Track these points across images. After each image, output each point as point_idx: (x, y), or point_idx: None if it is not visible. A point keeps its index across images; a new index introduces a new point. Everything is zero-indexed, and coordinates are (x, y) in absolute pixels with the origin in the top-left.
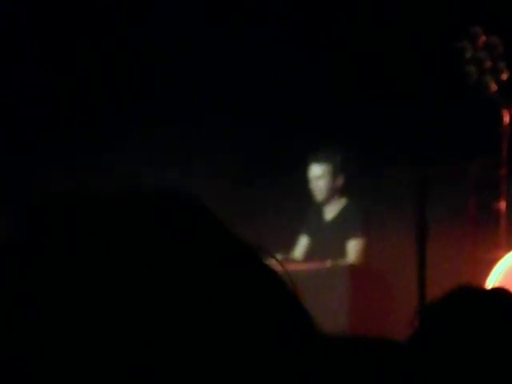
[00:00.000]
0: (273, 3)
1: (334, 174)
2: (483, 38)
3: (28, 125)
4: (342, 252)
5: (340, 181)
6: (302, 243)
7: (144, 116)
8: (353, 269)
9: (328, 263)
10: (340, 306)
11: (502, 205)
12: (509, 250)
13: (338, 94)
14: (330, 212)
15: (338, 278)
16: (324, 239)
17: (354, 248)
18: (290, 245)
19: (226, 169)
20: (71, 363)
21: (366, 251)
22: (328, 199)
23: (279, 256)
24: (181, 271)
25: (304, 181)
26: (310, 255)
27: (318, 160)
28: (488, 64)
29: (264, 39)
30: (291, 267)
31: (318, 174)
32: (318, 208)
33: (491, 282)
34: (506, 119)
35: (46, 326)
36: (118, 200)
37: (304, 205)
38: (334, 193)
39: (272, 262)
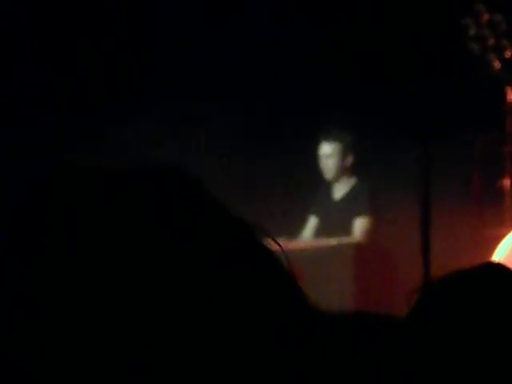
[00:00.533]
0: None
1: (344, 153)
2: (486, 16)
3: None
4: (348, 230)
5: (349, 160)
6: (311, 224)
7: (147, 96)
8: (358, 247)
9: (333, 241)
10: (345, 284)
11: (506, 182)
12: None
13: (343, 73)
14: (339, 191)
15: (344, 256)
16: (332, 218)
17: (360, 226)
18: (300, 225)
19: (239, 145)
20: (71, 363)
21: (373, 230)
22: (337, 178)
23: (288, 237)
24: (178, 256)
25: (315, 159)
26: (318, 234)
27: (328, 139)
28: (491, 41)
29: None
30: (298, 246)
31: (328, 152)
32: (328, 187)
33: (496, 259)
34: (510, 96)
35: (45, 325)
36: (117, 183)
37: (315, 183)
38: (343, 172)
39: (270, 242)
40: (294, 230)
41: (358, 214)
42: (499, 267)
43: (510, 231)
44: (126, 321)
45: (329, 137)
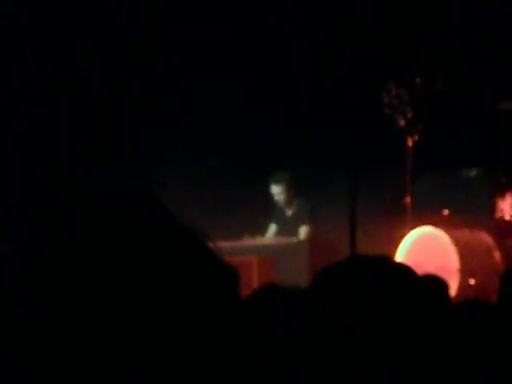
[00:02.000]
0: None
1: (288, 188)
2: (395, 90)
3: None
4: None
5: (293, 191)
6: (272, 229)
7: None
8: (312, 242)
9: (294, 239)
10: (302, 267)
11: (408, 199)
12: (412, 229)
13: (285, 128)
14: (290, 210)
15: (301, 249)
16: (287, 228)
17: (303, 231)
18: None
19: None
20: (70, 362)
21: (312, 233)
22: (286, 203)
23: (259, 236)
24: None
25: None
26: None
27: (275, 181)
28: (398, 107)
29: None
30: (272, 241)
31: (277, 191)
32: (282, 207)
33: (401, 249)
34: (410, 143)
35: (45, 326)
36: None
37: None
38: (290, 199)
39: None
40: (261, 232)
41: (302, 223)
42: (361, 259)
43: (409, 232)
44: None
45: (276, 180)
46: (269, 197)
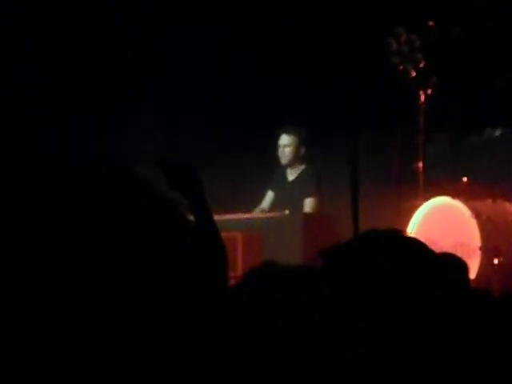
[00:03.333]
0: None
1: (299, 144)
2: (404, 36)
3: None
4: (299, 205)
5: (302, 150)
6: (269, 197)
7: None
8: (306, 216)
9: (286, 212)
10: (295, 245)
11: (420, 165)
12: (425, 200)
13: (294, 82)
14: (292, 174)
15: (295, 224)
16: (286, 195)
17: (310, 204)
18: (259, 198)
19: (214, 139)
20: (71, 363)
21: (319, 206)
22: (291, 164)
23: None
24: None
25: (271, 149)
26: (274, 207)
27: (287, 131)
28: (408, 56)
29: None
30: (259, 215)
31: (286, 142)
32: (283, 170)
33: (412, 224)
34: (422, 98)
35: (44, 325)
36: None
37: (271, 167)
38: (296, 159)
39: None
40: (256, 201)
41: (308, 194)
42: (384, 232)
43: (422, 203)
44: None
45: (288, 130)
46: (267, 164)
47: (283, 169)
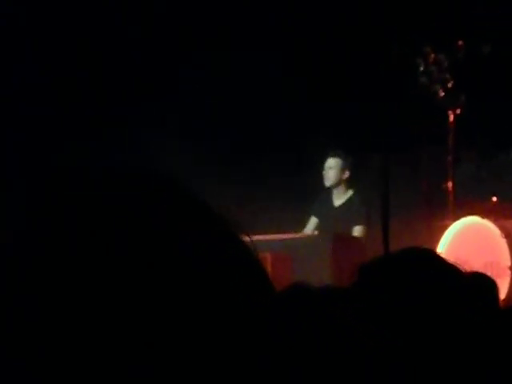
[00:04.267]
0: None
1: (343, 167)
2: (432, 56)
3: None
4: (346, 231)
5: (346, 173)
6: (312, 222)
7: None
8: (335, 236)
9: (315, 232)
10: (324, 265)
11: (450, 184)
12: (455, 220)
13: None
14: (338, 200)
15: (324, 244)
16: (331, 221)
17: (359, 231)
18: (302, 223)
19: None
20: (71, 363)
21: (367, 233)
22: (335, 186)
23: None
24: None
25: (317, 176)
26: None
27: (333, 154)
28: (436, 76)
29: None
30: (288, 236)
31: (330, 165)
32: (327, 195)
33: (442, 243)
34: (451, 118)
35: (45, 325)
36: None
37: (301, 189)
38: (340, 182)
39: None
40: (285, 222)
41: (357, 222)
42: (418, 250)
43: (452, 223)
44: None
45: (334, 153)
46: (308, 187)
47: (328, 193)
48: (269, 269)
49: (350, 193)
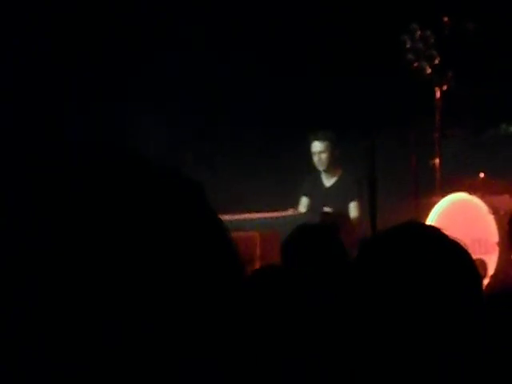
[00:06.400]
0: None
1: (333, 148)
2: (419, 32)
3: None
4: (339, 210)
5: (337, 153)
6: (304, 202)
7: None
8: (323, 214)
9: (302, 211)
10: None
11: (437, 161)
12: (442, 196)
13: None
14: (329, 180)
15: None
16: (323, 201)
17: (355, 207)
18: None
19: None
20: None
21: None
22: (328, 169)
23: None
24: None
25: (300, 155)
26: (311, 213)
27: (318, 137)
28: (423, 52)
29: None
30: (275, 215)
31: (320, 149)
32: (317, 176)
33: (430, 220)
34: (438, 94)
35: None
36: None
37: (300, 174)
38: (333, 164)
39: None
40: (272, 200)
41: (351, 199)
42: (416, 225)
43: (440, 199)
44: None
45: (319, 136)
46: (297, 166)
47: (318, 173)
48: (258, 247)
49: (340, 172)
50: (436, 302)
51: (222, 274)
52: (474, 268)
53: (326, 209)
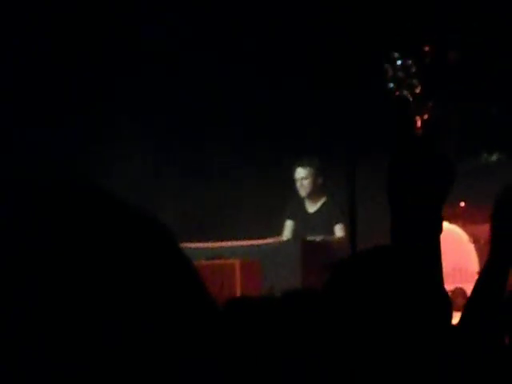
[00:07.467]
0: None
1: (316, 175)
2: (400, 61)
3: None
4: (324, 234)
5: (320, 180)
6: (289, 226)
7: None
8: (303, 242)
9: (284, 238)
10: (294, 270)
11: None
12: None
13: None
14: (312, 207)
15: (293, 249)
16: (308, 226)
17: (341, 228)
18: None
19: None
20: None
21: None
22: (310, 195)
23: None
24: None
25: (283, 180)
26: (296, 235)
27: (301, 164)
28: (404, 81)
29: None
30: (257, 242)
31: (303, 175)
32: (300, 201)
33: None
34: (419, 123)
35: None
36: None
37: (281, 200)
38: (316, 190)
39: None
40: (255, 228)
41: (336, 221)
42: (384, 250)
43: None
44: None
45: (302, 163)
46: (277, 193)
47: (301, 200)
48: (238, 274)
49: (324, 199)
50: (398, 324)
51: (187, 311)
52: (437, 295)
53: (310, 237)
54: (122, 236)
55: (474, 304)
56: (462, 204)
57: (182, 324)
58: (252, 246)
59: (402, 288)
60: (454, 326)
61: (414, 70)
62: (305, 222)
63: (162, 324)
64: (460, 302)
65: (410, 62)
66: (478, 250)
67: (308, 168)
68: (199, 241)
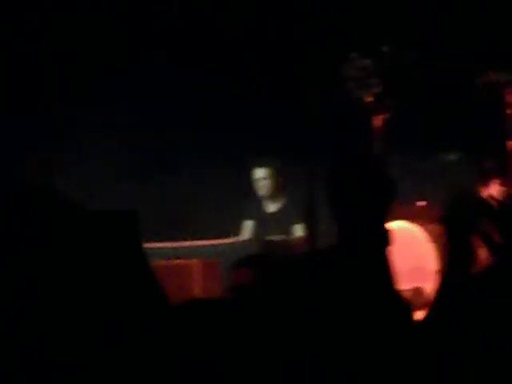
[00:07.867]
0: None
1: (275, 175)
2: (358, 61)
3: None
4: (284, 235)
5: (280, 180)
6: (249, 227)
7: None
8: (264, 242)
9: (243, 238)
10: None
11: None
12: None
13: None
14: (271, 207)
15: (252, 250)
16: (267, 226)
17: (301, 228)
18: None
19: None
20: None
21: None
22: (270, 196)
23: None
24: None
25: (243, 180)
26: (256, 236)
27: (259, 164)
28: (363, 81)
29: None
30: (216, 242)
31: (261, 175)
32: (258, 202)
33: None
34: (379, 124)
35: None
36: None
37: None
38: (275, 190)
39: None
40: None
41: (296, 222)
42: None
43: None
44: None
45: (260, 163)
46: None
47: (259, 200)
48: (198, 275)
49: (284, 199)
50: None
51: (140, 303)
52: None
53: (270, 236)
54: (72, 233)
55: (437, 304)
56: (422, 203)
57: (131, 315)
58: (211, 246)
59: (347, 291)
60: (417, 322)
61: (372, 69)
62: (264, 222)
63: (108, 312)
64: (419, 301)
65: (369, 61)
66: (438, 248)
67: (267, 168)
68: (158, 241)
